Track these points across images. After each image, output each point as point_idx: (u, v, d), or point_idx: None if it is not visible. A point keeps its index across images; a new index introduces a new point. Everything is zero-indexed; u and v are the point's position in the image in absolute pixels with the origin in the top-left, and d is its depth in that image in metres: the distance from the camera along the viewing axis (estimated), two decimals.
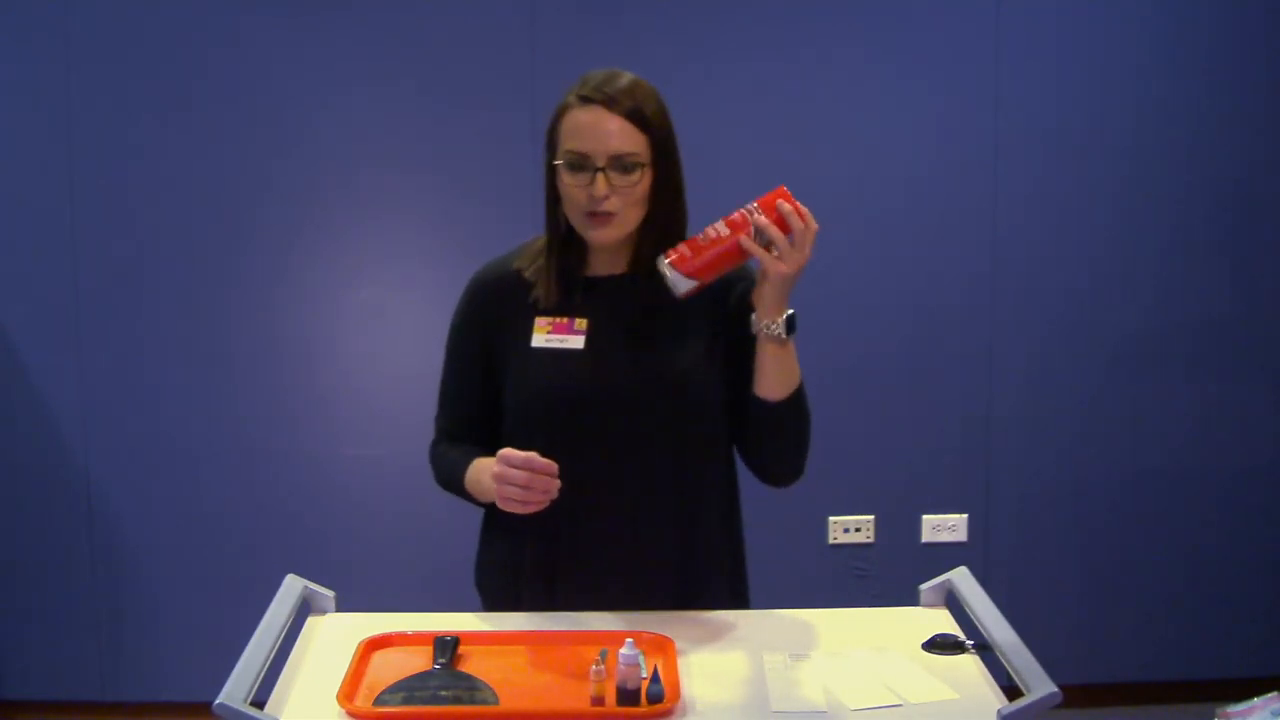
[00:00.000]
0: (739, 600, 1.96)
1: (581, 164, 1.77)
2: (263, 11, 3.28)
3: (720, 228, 1.71)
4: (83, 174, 3.30)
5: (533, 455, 1.69)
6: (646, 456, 1.82)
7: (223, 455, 3.39)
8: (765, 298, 1.72)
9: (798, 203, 1.70)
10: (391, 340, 3.40)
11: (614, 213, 1.78)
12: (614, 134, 1.76)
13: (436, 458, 1.99)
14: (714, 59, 3.33)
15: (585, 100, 1.78)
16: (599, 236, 1.81)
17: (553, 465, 1.70)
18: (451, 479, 1.92)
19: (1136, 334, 3.48)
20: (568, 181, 1.79)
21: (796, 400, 1.81)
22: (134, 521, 3.41)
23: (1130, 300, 3.47)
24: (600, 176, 1.76)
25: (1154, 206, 3.45)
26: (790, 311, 1.75)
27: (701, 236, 1.72)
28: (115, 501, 3.40)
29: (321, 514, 3.41)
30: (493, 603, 1.96)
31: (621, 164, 1.77)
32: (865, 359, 3.44)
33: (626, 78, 1.80)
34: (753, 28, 3.34)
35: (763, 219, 1.69)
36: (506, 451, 1.71)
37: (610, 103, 1.77)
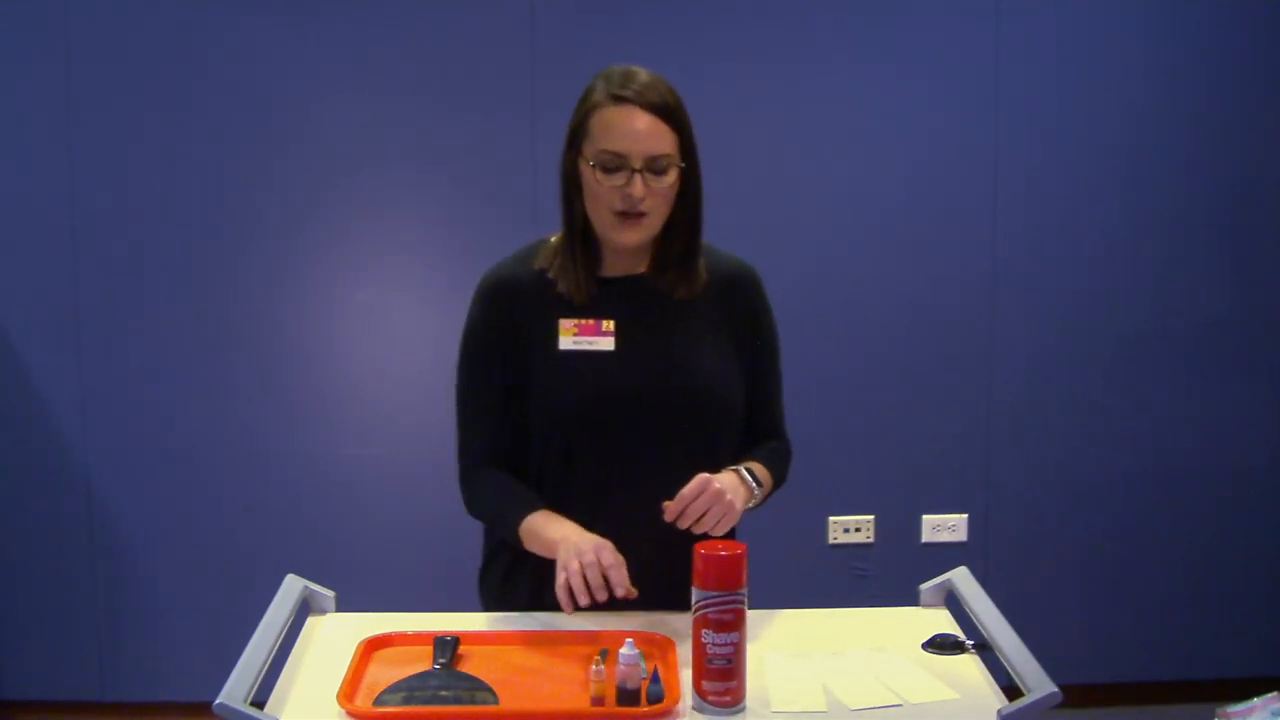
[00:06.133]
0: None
1: (617, 164, 1.75)
2: (263, 11, 3.28)
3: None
4: (83, 174, 3.30)
5: (619, 564, 1.66)
6: (669, 455, 1.81)
7: (223, 455, 3.39)
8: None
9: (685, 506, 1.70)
10: (391, 340, 3.39)
11: (647, 213, 1.77)
12: (648, 134, 1.74)
13: (478, 486, 1.90)
14: (714, 59, 3.33)
15: (617, 99, 1.75)
16: (629, 238, 1.80)
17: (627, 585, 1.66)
18: (498, 521, 1.87)
19: (1136, 334, 3.48)
20: (601, 182, 1.76)
21: (772, 490, 1.91)
22: (134, 521, 3.40)
23: (1130, 300, 3.47)
24: (638, 178, 1.74)
25: (1154, 206, 3.45)
26: (753, 489, 1.80)
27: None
28: (115, 501, 3.40)
29: (321, 514, 3.41)
30: (498, 607, 1.93)
31: (656, 166, 1.75)
32: (865, 359, 3.43)
33: (644, 74, 1.78)
34: (752, 28, 3.33)
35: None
36: (604, 543, 1.68)
37: (641, 100, 1.75)
